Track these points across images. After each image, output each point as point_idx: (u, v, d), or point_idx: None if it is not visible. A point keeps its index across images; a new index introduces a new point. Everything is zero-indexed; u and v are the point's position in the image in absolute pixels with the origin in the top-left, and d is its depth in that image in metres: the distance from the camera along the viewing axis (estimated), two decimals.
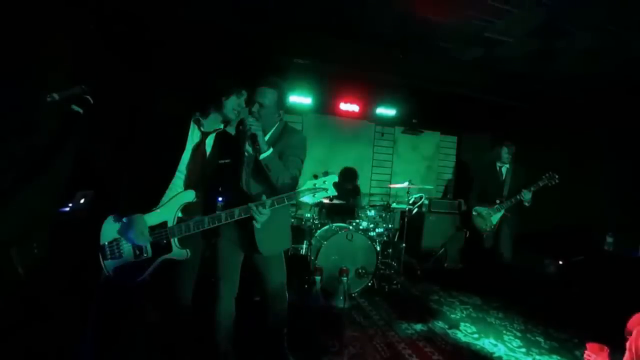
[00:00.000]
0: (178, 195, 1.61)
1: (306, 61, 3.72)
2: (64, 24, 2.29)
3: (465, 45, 3.33)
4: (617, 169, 3.66)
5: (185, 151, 1.63)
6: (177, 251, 1.59)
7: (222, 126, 1.73)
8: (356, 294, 3.43)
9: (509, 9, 2.61)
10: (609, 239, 3.69)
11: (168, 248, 1.58)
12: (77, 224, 2.10)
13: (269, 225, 1.69)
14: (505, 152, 3.66)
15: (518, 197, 3.40)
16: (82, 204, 2.50)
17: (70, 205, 2.44)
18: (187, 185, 1.65)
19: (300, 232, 3.78)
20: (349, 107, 4.70)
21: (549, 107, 4.60)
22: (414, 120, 5.54)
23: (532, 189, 3.31)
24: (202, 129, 1.67)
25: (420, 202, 4.51)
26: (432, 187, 5.64)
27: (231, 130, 1.84)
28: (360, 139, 5.56)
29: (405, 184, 4.09)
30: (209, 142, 1.70)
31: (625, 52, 3.06)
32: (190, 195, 1.61)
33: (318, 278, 3.15)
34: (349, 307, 3.11)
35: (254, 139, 1.65)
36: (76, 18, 2.40)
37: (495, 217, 3.54)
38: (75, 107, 1.51)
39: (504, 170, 3.67)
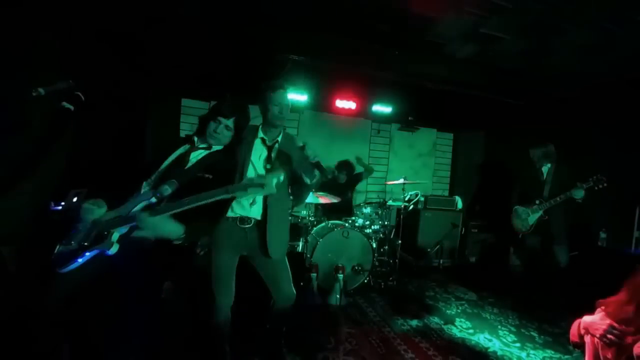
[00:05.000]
0: (139, 195, 1.56)
1: (301, 58, 3.70)
2: (54, 17, 2.26)
3: (461, 41, 3.33)
4: (611, 165, 3.68)
5: (170, 156, 1.65)
6: (107, 243, 1.46)
7: (219, 147, 1.73)
8: (352, 291, 3.44)
9: (505, 4, 2.61)
10: (603, 235, 3.72)
11: (103, 241, 1.48)
12: (69, 223, 2.08)
13: (276, 229, 1.79)
14: (541, 152, 3.44)
15: (560, 197, 3.17)
16: (75, 202, 2.48)
17: (63, 203, 2.41)
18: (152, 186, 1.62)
19: (296, 229, 3.77)
20: (345, 104, 4.68)
21: (544, 104, 4.62)
22: (410, 118, 5.54)
23: (585, 185, 3.07)
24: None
25: (416, 199, 4.52)
26: (427, 181, 5.67)
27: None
28: (357, 136, 5.56)
29: (401, 181, 4.10)
30: (195, 156, 1.69)
31: (620, 49, 3.08)
32: (148, 195, 1.54)
33: (314, 275, 3.15)
34: (345, 304, 3.12)
35: (320, 167, 1.68)
36: (66, 12, 2.37)
37: (533, 218, 3.35)
38: (66, 104, 1.49)
39: (544, 170, 3.44)
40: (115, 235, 1.49)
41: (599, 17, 2.64)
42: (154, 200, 1.53)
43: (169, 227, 1.46)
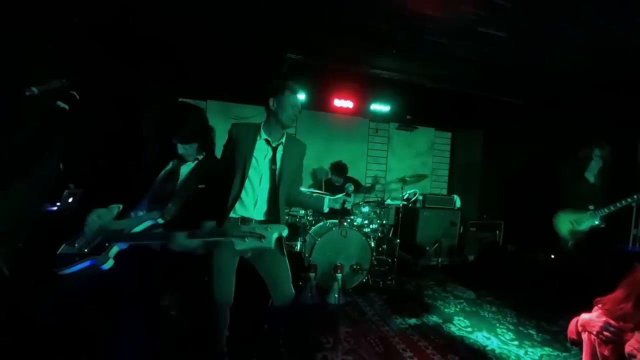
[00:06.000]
0: (145, 214, 1.58)
1: (299, 57, 3.70)
2: (48, 17, 2.24)
3: (458, 40, 3.32)
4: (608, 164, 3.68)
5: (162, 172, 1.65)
6: (104, 257, 1.45)
7: (201, 155, 1.71)
8: (351, 290, 3.43)
9: (502, 3, 2.61)
10: None
11: (101, 252, 1.47)
12: (65, 223, 2.07)
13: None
14: (596, 153, 3.08)
15: (623, 202, 2.79)
16: (70, 203, 2.46)
17: (59, 204, 2.40)
18: (153, 203, 1.62)
19: (294, 228, 3.77)
20: (343, 103, 4.68)
21: (542, 103, 4.63)
22: (408, 117, 5.55)
23: None
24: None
25: (415, 197, 4.52)
26: (427, 174, 5.66)
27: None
28: (355, 136, 5.56)
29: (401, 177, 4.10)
30: (185, 169, 1.68)
31: (616, 49, 3.08)
32: (155, 216, 1.57)
33: (312, 275, 3.15)
34: (344, 303, 3.11)
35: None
36: (60, 11, 2.36)
37: (585, 225, 2.97)
38: (60, 104, 1.47)
39: (593, 171, 3.14)
40: (114, 250, 1.48)
41: (598, 16, 2.64)
42: (160, 221, 1.54)
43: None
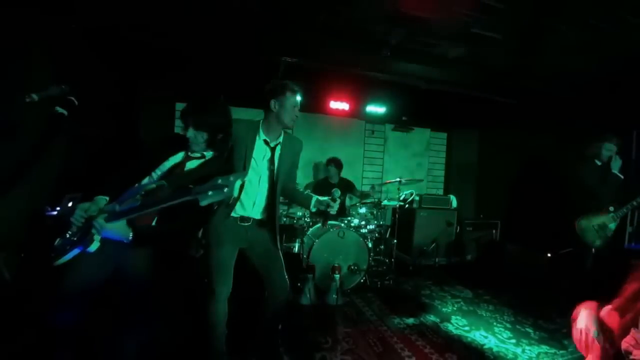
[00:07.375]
0: (129, 197, 1.55)
1: (295, 60, 3.72)
2: (45, 24, 2.26)
3: (453, 41, 3.36)
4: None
5: (167, 162, 1.65)
6: (89, 240, 1.45)
7: (210, 153, 1.72)
8: (349, 290, 3.45)
9: (496, 4, 2.65)
10: None
11: (86, 237, 1.46)
12: (64, 227, 2.08)
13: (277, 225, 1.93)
14: (607, 149, 3.01)
15: (636, 201, 2.76)
16: (70, 207, 2.46)
17: (58, 208, 2.40)
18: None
19: (292, 230, 3.78)
20: (339, 105, 4.71)
21: (537, 103, 4.67)
22: (403, 118, 5.59)
23: None
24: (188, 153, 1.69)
25: (411, 198, 4.55)
26: (422, 178, 5.69)
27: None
28: (351, 137, 5.58)
29: (397, 180, 4.14)
30: (189, 165, 1.68)
31: (612, 48, 3.13)
32: (136, 192, 1.55)
33: (310, 276, 3.16)
34: (342, 304, 3.13)
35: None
36: (58, 19, 2.37)
37: (612, 227, 2.91)
38: (59, 109, 1.49)
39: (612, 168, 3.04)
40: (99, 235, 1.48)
41: (591, 16, 2.68)
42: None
43: (121, 232, 1.49)
